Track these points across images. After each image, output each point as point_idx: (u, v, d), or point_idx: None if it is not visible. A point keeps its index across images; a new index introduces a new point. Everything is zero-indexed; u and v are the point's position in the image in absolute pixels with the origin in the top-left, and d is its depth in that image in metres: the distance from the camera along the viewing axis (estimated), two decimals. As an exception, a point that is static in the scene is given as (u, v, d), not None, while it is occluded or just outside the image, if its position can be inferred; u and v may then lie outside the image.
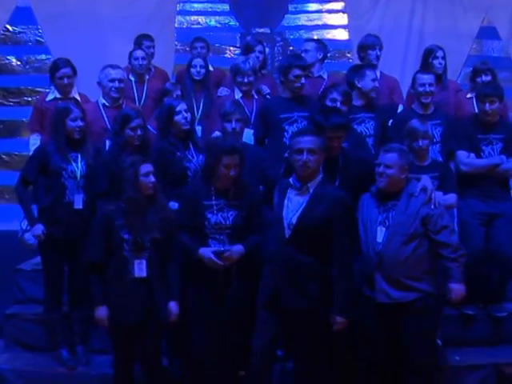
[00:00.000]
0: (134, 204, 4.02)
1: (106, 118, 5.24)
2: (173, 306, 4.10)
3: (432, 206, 4.12)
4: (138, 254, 4.01)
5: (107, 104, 5.32)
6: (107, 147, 4.94)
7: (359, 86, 5.12)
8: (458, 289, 4.16)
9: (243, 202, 4.16)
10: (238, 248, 4.10)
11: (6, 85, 7.87)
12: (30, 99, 7.73)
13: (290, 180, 4.05)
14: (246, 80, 5.46)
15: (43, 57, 7.93)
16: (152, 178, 4.06)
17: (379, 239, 4.12)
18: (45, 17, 7.98)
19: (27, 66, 7.95)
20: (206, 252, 4.06)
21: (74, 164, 4.58)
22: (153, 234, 4.02)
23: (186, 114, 4.67)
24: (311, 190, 3.98)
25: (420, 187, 4.16)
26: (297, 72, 4.98)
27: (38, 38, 8.00)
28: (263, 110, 5.11)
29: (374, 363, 4.28)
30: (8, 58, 7.94)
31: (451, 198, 4.60)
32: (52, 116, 4.82)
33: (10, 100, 7.83)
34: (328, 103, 4.70)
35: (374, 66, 5.73)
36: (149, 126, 5.09)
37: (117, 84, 5.26)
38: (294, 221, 3.94)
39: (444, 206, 4.26)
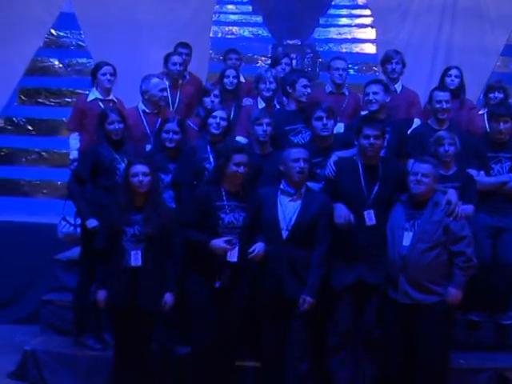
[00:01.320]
0: (121, 201, 4.46)
1: (145, 124, 5.52)
2: (168, 297, 4.48)
3: (451, 218, 4.43)
4: (135, 245, 4.42)
5: (147, 110, 5.60)
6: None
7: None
8: (455, 294, 4.48)
9: (250, 204, 4.49)
10: (262, 246, 4.45)
11: (48, 85, 8.27)
12: (70, 100, 8.13)
13: (282, 187, 4.50)
14: (268, 86, 5.63)
15: (84, 60, 8.37)
16: (141, 177, 4.44)
17: (406, 243, 4.45)
18: (87, 23, 8.38)
19: (69, 69, 8.39)
20: (217, 242, 4.36)
21: (122, 164, 4.92)
22: (148, 229, 4.42)
23: (219, 121, 4.99)
24: (303, 195, 4.49)
25: (445, 200, 4.47)
26: (305, 82, 5.34)
27: (80, 43, 8.45)
28: None
29: (389, 363, 4.59)
30: (51, 60, 8.40)
31: (468, 208, 4.82)
32: (94, 117, 5.23)
33: (52, 100, 8.24)
34: (314, 123, 4.93)
35: (393, 80, 5.99)
36: (189, 122, 5.49)
37: (165, 93, 5.62)
38: (293, 221, 4.41)
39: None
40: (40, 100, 8.22)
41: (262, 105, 5.71)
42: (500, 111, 5.25)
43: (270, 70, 5.85)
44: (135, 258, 4.42)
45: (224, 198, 4.45)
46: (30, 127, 8.14)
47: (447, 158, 4.91)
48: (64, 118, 7.88)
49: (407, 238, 4.47)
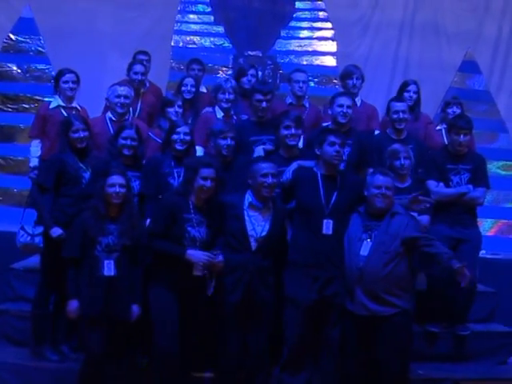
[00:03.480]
0: (98, 211, 4.43)
1: (112, 132, 5.41)
2: (135, 308, 4.49)
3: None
4: (108, 255, 4.41)
5: (114, 118, 5.58)
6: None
7: (329, 112, 5.45)
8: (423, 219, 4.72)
9: (214, 220, 4.52)
10: (221, 258, 4.47)
11: (5, 91, 8.12)
12: (27, 106, 8.04)
13: (251, 200, 4.55)
14: (227, 96, 5.65)
15: (43, 66, 8.22)
16: (117, 189, 4.42)
17: (363, 253, 4.48)
18: (47, 28, 8.30)
19: (27, 75, 8.21)
20: (195, 254, 4.39)
21: (87, 172, 4.87)
22: (124, 241, 4.43)
23: (183, 137, 4.94)
24: (271, 208, 4.58)
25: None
26: (258, 97, 5.32)
27: (39, 49, 8.28)
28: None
29: (350, 375, 4.59)
30: (9, 65, 8.21)
31: (424, 218, 4.92)
32: (56, 124, 5.16)
33: (9, 106, 8.08)
34: (282, 131, 4.91)
35: (354, 95, 6.00)
36: (150, 134, 5.48)
37: (122, 100, 5.54)
38: (264, 234, 4.51)
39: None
40: (-3, 105, 8.08)
41: (220, 114, 5.71)
42: (461, 124, 5.35)
43: (230, 80, 5.87)
44: (108, 268, 4.40)
45: (191, 211, 4.46)
46: (-15, 133, 7.98)
47: (403, 171, 4.99)
48: (21, 125, 7.86)
49: (365, 248, 4.50)
